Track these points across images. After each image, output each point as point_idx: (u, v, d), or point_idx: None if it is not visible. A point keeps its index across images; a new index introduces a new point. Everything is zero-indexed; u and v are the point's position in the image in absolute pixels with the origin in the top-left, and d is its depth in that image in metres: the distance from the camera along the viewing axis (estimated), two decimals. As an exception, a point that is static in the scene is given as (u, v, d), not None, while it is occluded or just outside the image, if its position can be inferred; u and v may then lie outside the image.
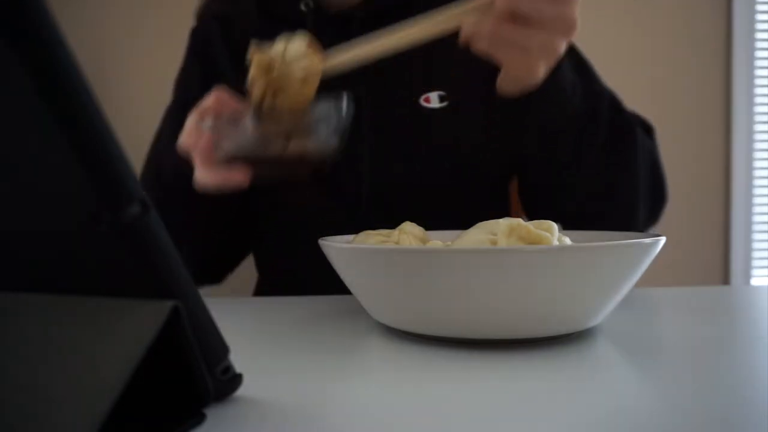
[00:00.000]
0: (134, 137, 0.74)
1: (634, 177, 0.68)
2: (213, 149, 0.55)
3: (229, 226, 0.73)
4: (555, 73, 0.59)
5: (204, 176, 0.56)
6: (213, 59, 0.75)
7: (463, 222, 0.49)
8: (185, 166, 0.59)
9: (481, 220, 0.42)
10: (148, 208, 0.22)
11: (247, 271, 0.84)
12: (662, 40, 1.80)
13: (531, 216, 0.79)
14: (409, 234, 0.45)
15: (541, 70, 0.56)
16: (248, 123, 0.53)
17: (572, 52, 0.67)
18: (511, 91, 0.59)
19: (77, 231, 0.23)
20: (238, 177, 0.55)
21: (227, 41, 0.75)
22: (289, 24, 0.71)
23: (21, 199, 0.25)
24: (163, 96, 0.80)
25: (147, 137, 0.77)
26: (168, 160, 0.67)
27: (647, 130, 0.71)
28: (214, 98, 0.58)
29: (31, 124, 0.21)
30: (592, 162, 0.66)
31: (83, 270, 0.25)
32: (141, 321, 0.22)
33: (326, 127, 0.52)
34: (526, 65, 0.54)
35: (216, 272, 0.79)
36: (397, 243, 0.44)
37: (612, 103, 0.67)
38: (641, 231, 0.71)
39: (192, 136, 0.57)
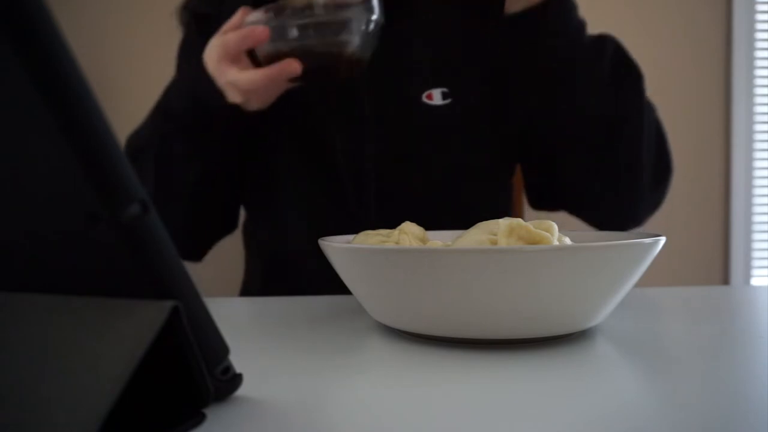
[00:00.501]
0: (134, 137, 0.74)
1: (638, 123, 0.67)
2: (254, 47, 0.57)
3: (223, 181, 0.72)
4: None
5: (253, 76, 0.57)
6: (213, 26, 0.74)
7: (464, 221, 0.49)
8: (205, 90, 0.60)
9: (482, 220, 0.42)
10: (148, 208, 0.22)
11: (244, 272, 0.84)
12: (662, 40, 1.80)
13: (535, 201, 0.79)
14: (409, 234, 0.45)
15: None
16: (284, 21, 0.57)
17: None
18: (517, 7, 0.63)
19: (77, 231, 0.23)
20: (291, 65, 0.56)
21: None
22: None
23: (21, 199, 0.25)
24: (163, 96, 0.80)
25: (147, 137, 0.77)
26: (182, 92, 0.67)
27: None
28: (241, 12, 0.59)
29: (31, 123, 0.21)
30: (596, 102, 0.66)
31: (83, 270, 0.25)
32: (141, 321, 0.22)
33: (358, 25, 0.57)
34: None
35: (198, 243, 0.76)
36: (397, 243, 0.44)
37: (618, 47, 0.68)
38: (645, 202, 0.71)
39: (226, 43, 0.58)
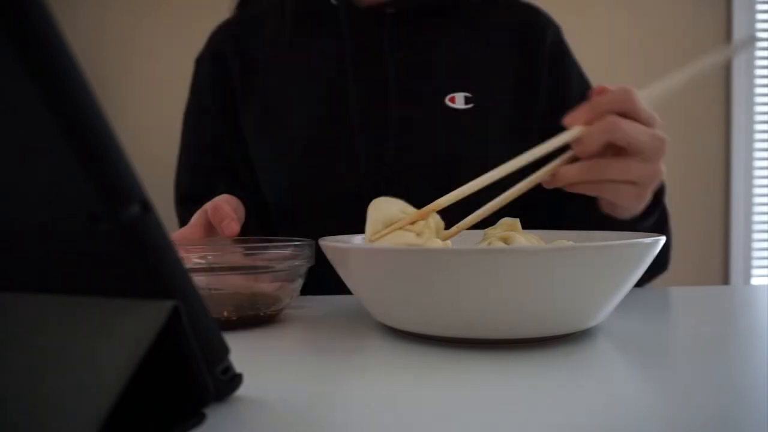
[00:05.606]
0: (135, 137, 0.74)
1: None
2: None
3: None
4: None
5: None
6: (226, 69, 0.75)
7: (482, 222, 0.49)
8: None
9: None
10: (148, 208, 0.22)
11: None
12: (662, 41, 1.80)
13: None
14: (432, 227, 0.44)
15: (648, 195, 0.52)
16: None
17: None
18: (621, 216, 0.56)
19: (77, 231, 0.23)
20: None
21: (245, 46, 0.75)
22: (321, 19, 0.72)
23: (21, 198, 0.25)
24: (165, 96, 0.80)
25: (148, 137, 0.77)
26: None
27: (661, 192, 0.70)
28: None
29: (32, 124, 0.21)
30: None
31: (83, 270, 0.25)
32: (141, 321, 0.22)
33: None
34: (636, 195, 0.50)
35: None
36: (419, 234, 0.43)
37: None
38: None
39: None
